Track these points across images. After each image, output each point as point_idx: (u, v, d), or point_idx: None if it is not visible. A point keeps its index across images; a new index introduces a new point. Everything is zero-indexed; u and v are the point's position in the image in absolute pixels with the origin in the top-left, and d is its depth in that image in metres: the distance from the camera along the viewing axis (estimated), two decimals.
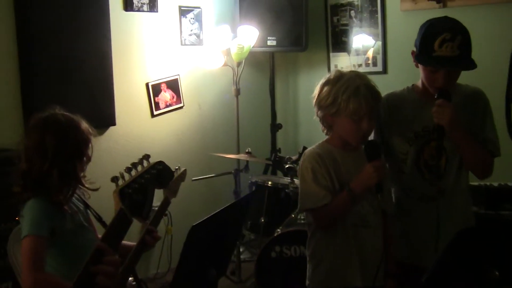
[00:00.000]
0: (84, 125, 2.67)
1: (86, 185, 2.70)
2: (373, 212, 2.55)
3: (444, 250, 1.94)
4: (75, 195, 2.72)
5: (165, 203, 3.00)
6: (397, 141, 2.74)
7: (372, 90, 2.47)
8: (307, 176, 2.52)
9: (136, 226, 2.68)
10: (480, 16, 4.66)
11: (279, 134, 5.79)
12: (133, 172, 1.99)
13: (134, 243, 2.83)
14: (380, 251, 2.54)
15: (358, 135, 2.50)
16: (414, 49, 2.65)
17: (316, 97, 2.55)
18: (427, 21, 2.64)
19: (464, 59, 2.53)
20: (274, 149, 5.65)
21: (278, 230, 4.26)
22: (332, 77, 2.51)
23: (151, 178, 1.99)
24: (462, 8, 4.70)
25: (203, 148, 5.36)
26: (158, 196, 2.19)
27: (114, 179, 1.92)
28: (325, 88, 2.50)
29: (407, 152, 2.72)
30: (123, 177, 1.96)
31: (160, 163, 2.07)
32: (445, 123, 2.51)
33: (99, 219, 2.77)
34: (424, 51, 2.56)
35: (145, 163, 2.05)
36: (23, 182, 2.55)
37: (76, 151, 2.60)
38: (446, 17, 2.64)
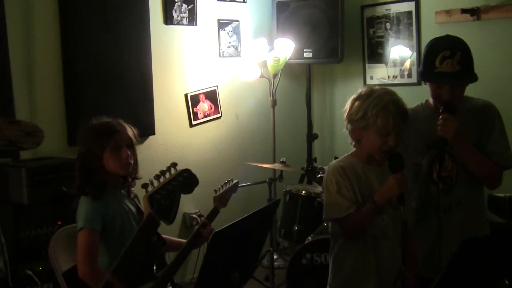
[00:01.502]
0: (103, 128, 2.87)
1: (131, 187, 2.93)
2: (392, 225, 2.62)
3: (450, 260, 2.02)
4: (128, 200, 2.92)
5: (214, 212, 3.19)
6: (411, 154, 2.85)
7: (400, 107, 2.55)
8: (332, 188, 2.61)
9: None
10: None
11: (316, 144, 5.89)
12: (162, 179, 2.16)
13: (183, 240, 3.05)
14: (399, 263, 2.58)
15: (383, 150, 2.58)
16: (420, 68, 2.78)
17: (347, 111, 2.64)
18: (430, 40, 2.78)
19: (465, 74, 2.66)
20: (310, 158, 5.75)
21: (309, 237, 4.36)
22: (363, 93, 2.60)
23: (178, 185, 2.15)
24: (496, 21, 4.76)
25: (240, 157, 5.48)
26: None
27: (145, 186, 2.09)
28: (356, 103, 2.59)
29: (420, 164, 2.82)
30: (152, 183, 2.13)
31: (186, 170, 2.22)
32: (449, 136, 2.64)
33: None
34: (427, 69, 2.72)
35: (172, 170, 2.22)
36: (80, 180, 2.80)
37: (91, 152, 2.80)
38: (447, 35, 2.79)
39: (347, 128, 2.67)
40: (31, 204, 3.68)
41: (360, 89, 2.65)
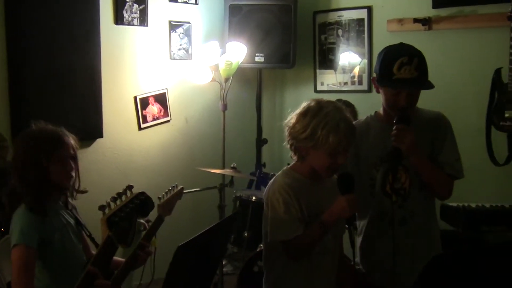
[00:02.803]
0: (48, 135, 2.71)
1: (69, 200, 2.79)
2: (332, 238, 2.58)
3: (419, 277, 2.01)
4: (66, 211, 2.78)
5: (159, 220, 3.05)
6: (365, 168, 2.82)
7: (350, 125, 2.48)
8: (279, 208, 2.48)
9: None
10: (463, 40, 4.79)
11: (265, 149, 5.86)
12: (118, 201, 2.08)
13: (123, 259, 2.87)
14: (335, 273, 2.63)
15: (331, 169, 2.50)
16: (374, 75, 2.76)
17: (291, 126, 2.50)
18: (384, 48, 2.77)
19: (422, 80, 2.66)
20: (259, 163, 5.71)
21: (261, 245, 4.31)
22: (311, 109, 2.47)
23: (135, 208, 2.09)
24: (446, 31, 4.83)
25: (189, 162, 5.40)
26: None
27: (102, 208, 2.01)
28: (302, 120, 2.47)
29: (374, 178, 2.80)
30: (109, 206, 2.05)
31: (142, 193, 2.17)
32: (404, 147, 2.61)
33: (89, 236, 2.81)
34: (384, 75, 2.68)
35: (128, 193, 2.18)
36: (10, 194, 2.66)
37: (34, 161, 2.63)
38: (401, 43, 2.78)
39: (288, 143, 2.55)
40: None
41: (306, 103, 2.53)
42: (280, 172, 2.64)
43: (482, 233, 3.41)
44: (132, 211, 2.08)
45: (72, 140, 2.77)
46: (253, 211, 4.71)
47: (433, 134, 2.78)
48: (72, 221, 2.79)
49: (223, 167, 5.18)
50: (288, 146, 2.56)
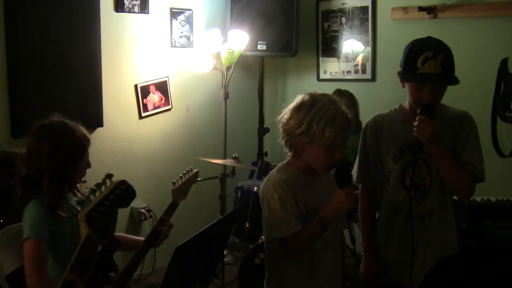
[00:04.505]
0: (80, 131, 2.74)
1: (81, 191, 2.77)
2: (333, 235, 2.52)
3: (426, 276, 1.96)
4: (75, 200, 2.77)
5: (173, 206, 2.99)
6: (383, 159, 2.77)
7: (346, 118, 2.40)
8: (275, 204, 2.41)
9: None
10: (468, 29, 4.71)
11: (266, 138, 5.80)
12: (98, 193, 1.97)
13: (141, 238, 2.91)
14: (339, 269, 2.57)
15: (328, 164, 2.42)
16: (399, 69, 2.69)
17: (285, 122, 2.42)
18: (411, 41, 2.68)
19: (447, 76, 2.58)
20: (261, 152, 5.66)
21: (262, 237, 4.27)
22: (305, 103, 2.40)
23: (115, 199, 1.96)
24: (452, 20, 4.75)
25: (190, 151, 5.36)
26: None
27: (80, 203, 1.92)
28: (297, 115, 2.38)
29: (392, 170, 2.74)
30: (88, 199, 1.95)
31: (123, 182, 2.03)
32: (424, 138, 2.55)
33: None
34: (408, 70, 2.61)
35: (108, 182, 2.03)
36: (23, 185, 2.66)
37: (69, 157, 2.65)
38: (429, 37, 2.71)
39: (283, 139, 2.47)
40: None
41: (299, 97, 2.45)
42: (275, 168, 2.56)
43: (486, 228, 3.35)
44: (112, 203, 1.95)
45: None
46: (254, 201, 4.66)
47: (456, 132, 2.70)
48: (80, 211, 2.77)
49: (225, 157, 5.13)
50: (283, 142, 2.49)
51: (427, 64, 2.54)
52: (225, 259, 5.10)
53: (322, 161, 2.40)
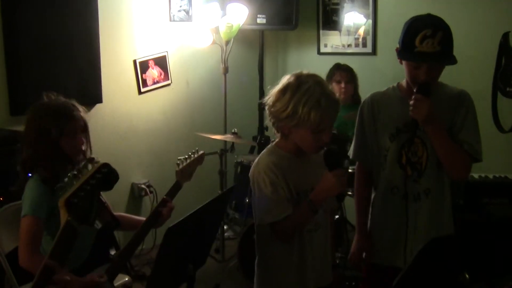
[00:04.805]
0: (78, 108, 2.78)
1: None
2: (322, 213, 2.49)
3: (415, 256, 1.96)
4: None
5: (177, 186, 2.96)
6: (380, 138, 2.76)
7: (332, 100, 2.35)
8: (266, 189, 2.37)
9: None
10: (469, 2, 4.66)
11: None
12: (79, 178, 1.95)
13: (142, 218, 2.92)
14: (328, 248, 2.55)
15: (317, 146, 2.39)
16: (398, 46, 2.66)
17: (271, 105, 2.38)
18: (411, 18, 2.65)
19: (445, 55, 2.55)
20: (261, 127, 5.65)
21: None
22: (290, 85, 2.34)
23: (96, 183, 1.93)
24: None
25: (190, 126, 5.35)
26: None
27: (60, 188, 1.89)
28: (282, 98, 2.33)
29: (388, 148, 2.73)
30: (70, 184, 1.92)
31: (105, 165, 2.00)
32: (420, 117, 2.53)
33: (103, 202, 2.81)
34: (406, 47, 2.58)
35: (90, 166, 1.97)
36: (24, 165, 2.73)
37: (46, 134, 2.69)
38: (429, 14, 2.65)
39: (270, 121, 2.43)
40: None
41: (285, 78, 2.39)
42: (264, 150, 2.53)
43: (483, 206, 3.34)
44: (93, 188, 1.92)
45: (82, 112, 2.82)
46: None
47: (454, 110, 2.67)
48: None
49: (225, 132, 5.12)
50: (271, 124, 2.45)
51: (425, 43, 2.51)
52: (226, 234, 5.13)
53: (310, 143, 2.37)
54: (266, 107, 2.41)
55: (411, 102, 2.54)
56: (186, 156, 3.07)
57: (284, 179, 2.39)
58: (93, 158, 1.98)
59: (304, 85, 2.32)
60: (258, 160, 2.46)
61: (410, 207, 2.69)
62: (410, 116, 2.57)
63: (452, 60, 2.56)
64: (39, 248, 2.64)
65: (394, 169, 2.73)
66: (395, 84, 2.81)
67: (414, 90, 2.57)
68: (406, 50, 2.59)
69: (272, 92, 2.39)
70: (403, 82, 2.75)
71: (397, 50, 2.66)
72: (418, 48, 2.52)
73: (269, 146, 2.54)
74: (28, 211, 2.63)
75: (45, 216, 2.65)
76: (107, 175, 1.95)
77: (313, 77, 2.37)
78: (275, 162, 2.40)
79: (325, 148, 2.38)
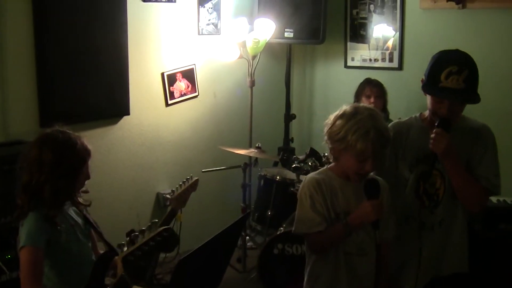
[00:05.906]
0: (81, 144, 2.74)
1: (80, 202, 2.83)
2: (369, 241, 2.58)
3: None
4: (73, 209, 2.83)
5: (172, 214, 3.08)
6: (401, 167, 2.80)
7: (381, 134, 2.48)
8: (305, 202, 2.58)
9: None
10: (497, 20, 4.65)
11: (293, 124, 5.85)
12: (141, 238, 2.09)
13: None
14: (372, 278, 2.59)
15: (359, 174, 2.54)
16: (423, 78, 2.70)
17: (328, 127, 2.58)
18: (439, 52, 2.67)
19: (468, 93, 2.57)
20: (287, 138, 5.71)
21: (281, 228, 4.35)
22: (346, 113, 2.53)
23: (155, 245, 2.10)
24: (481, 10, 4.69)
25: (216, 138, 5.43)
26: None
27: (120, 246, 2.04)
28: (338, 122, 2.53)
29: (408, 179, 2.77)
30: (132, 243, 2.05)
31: (167, 230, 2.15)
32: (439, 151, 2.58)
33: (95, 229, 2.86)
34: (431, 81, 2.62)
35: (153, 229, 2.17)
36: (24, 194, 2.66)
37: (70, 170, 2.67)
38: (457, 50, 2.67)
39: (326, 142, 2.62)
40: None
41: (344, 106, 2.58)
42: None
43: (500, 232, 3.32)
44: (151, 248, 2.10)
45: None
46: (277, 190, 4.74)
47: (474, 144, 2.72)
48: (80, 220, 2.83)
49: (250, 145, 5.18)
50: (326, 145, 2.63)
51: (450, 79, 2.54)
52: (248, 244, 5.18)
53: (354, 169, 2.54)
54: (325, 127, 2.60)
55: (432, 136, 2.60)
56: (180, 183, 3.22)
57: (323, 196, 2.57)
58: (156, 222, 2.15)
59: (358, 115, 2.50)
60: (306, 177, 2.69)
61: (425, 239, 2.72)
62: (430, 149, 2.62)
63: (475, 99, 2.59)
64: (42, 280, 2.58)
65: (411, 199, 2.78)
66: (417, 114, 2.86)
67: (436, 124, 2.62)
68: (430, 83, 2.63)
69: (331, 116, 2.59)
70: (426, 113, 2.80)
71: (422, 81, 2.70)
72: (442, 83, 2.56)
73: (323, 167, 2.75)
74: (26, 242, 2.56)
75: (43, 246, 2.58)
76: (167, 239, 2.12)
77: (369, 110, 2.54)
78: (319, 180, 2.61)
79: (366, 178, 2.55)
